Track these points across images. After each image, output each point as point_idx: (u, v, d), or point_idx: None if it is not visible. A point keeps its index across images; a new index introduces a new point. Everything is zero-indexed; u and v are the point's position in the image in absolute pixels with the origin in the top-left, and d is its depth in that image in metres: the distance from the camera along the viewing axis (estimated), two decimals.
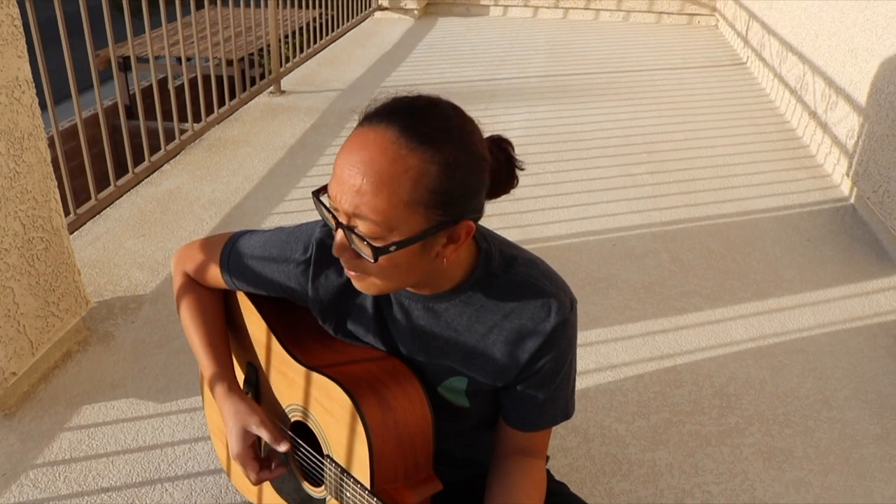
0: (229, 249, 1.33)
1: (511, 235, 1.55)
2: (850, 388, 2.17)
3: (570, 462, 1.89)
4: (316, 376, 1.25)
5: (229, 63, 4.60)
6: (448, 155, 0.97)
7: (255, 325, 1.39)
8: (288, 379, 1.33)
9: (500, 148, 1.09)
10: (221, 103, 3.76)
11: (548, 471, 1.29)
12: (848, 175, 3.26)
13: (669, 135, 3.98)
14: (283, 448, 1.27)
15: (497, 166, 1.07)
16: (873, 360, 2.29)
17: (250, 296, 1.40)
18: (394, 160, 0.95)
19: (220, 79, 3.84)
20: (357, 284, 1.07)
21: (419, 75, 4.84)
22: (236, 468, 1.55)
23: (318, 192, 1.05)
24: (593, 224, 3.05)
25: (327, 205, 1.02)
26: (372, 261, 0.98)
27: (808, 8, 4.01)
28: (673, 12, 6.42)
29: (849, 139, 3.28)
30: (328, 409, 1.24)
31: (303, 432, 1.35)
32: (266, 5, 4.28)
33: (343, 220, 0.99)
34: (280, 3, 4.27)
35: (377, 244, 0.97)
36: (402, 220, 0.96)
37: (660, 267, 2.76)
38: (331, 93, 4.40)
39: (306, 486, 1.35)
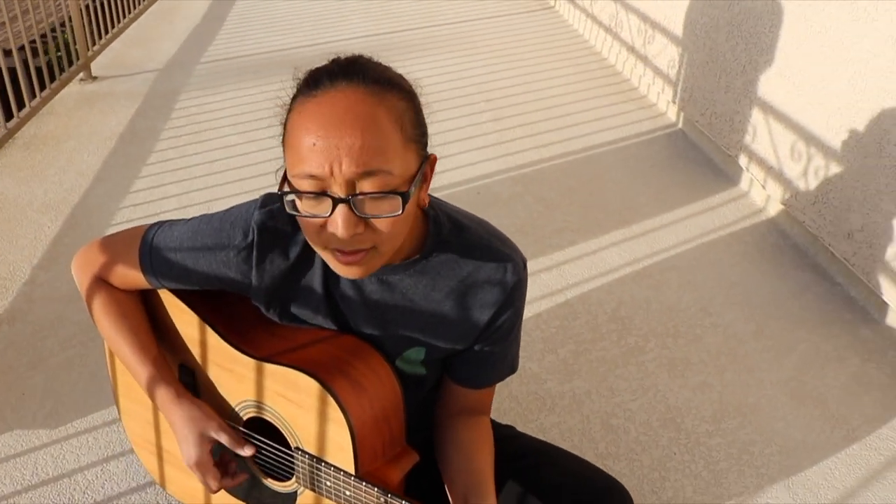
0: (148, 247, 1.21)
1: None
2: (722, 294, 2.38)
3: (497, 406, 1.94)
4: (272, 367, 1.19)
5: (7, 53, 3.97)
6: (407, 93, 1.00)
7: (186, 322, 1.29)
8: (235, 374, 1.25)
9: None
10: (19, 99, 3.33)
11: (492, 419, 1.31)
12: (674, 102, 3.52)
13: (500, 82, 4.07)
14: (247, 452, 1.21)
15: None
16: (733, 266, 2.52)
17: (176, 292, 1.29)
18: (377, 105, 0.93)
19: None
20: (356, 271, 1.00)
21: (239, 47, 4.60)
22: (174, 478, 1.45)
23: (285, 191, 0.97)
24: (455, 176, 3.08)
25: (306, 191, 0.94)
26: (400, 211, 0.93)
27: None
28: None
29: (670, 69, 3.53)
30: (292, 400, 1.18)
31: (259, 428, 1.28)
32: None
33: (342, 192, 0.92)
34: None
35: (402, 190, 0.94)
36: (406, 160, 0.95)
37: (527, 209, 2.85)
38: (148, 74, 4.09)
39: (271, 483, 1.29)
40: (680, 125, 3.52)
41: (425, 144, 1.03)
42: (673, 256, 2.57)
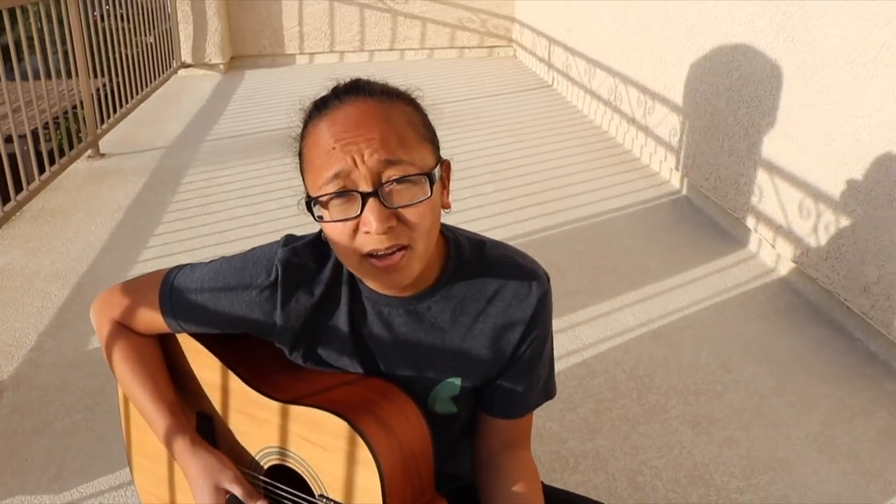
0: (169, 289, 1.19)
1: None
2: (740, 351, 2.34)
3: None
4: (297, 409, 1.14)
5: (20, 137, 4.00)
6: (412, 100, 1.04)
7: (207, 367, 1.25)
8: (257, 420, 1.20)
9: None
10: (28, 173, 3.34)
11: None
12: (677, 169, 3.56)
13: (503, 155, 4.14)
14: None
15: None
16: (748, 323, 2.49)
17: (196, 336, 1.25)
18: (389, 109, 0.97)
19: (12, 158, 3.34)
20: (397, 278, 0.98)
21: (244, 125, 4.69)
22: None
23: (311, 198, 0.97)
24: None
25: (332, 193, 0.94)
26: (430, 194, 0.94)
27: (609, 27, 4.37)
28: (473, 46, 6.74)
29: (672, 137, 3.59)
30: (317, 443, 1.13)
31: (282, 476, 1.22)
32: (59, 75, 3.93)
33: (369, 186, 0.92)
34: (83, 70, 3.95)
35: (427, 170, 0.95)
36: (423, 156, 0.97)
37: None
38: (156, 151, 4.14)
39: None
40: (684, 191, 3.55)
41: (438, 147, 1.04)
42: (687, 316, 2.54)
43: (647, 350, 2.35)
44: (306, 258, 1.12)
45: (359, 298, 1.12)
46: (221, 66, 6.10)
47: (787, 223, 2.70)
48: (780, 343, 2.38)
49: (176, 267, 1.23)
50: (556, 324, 2.48)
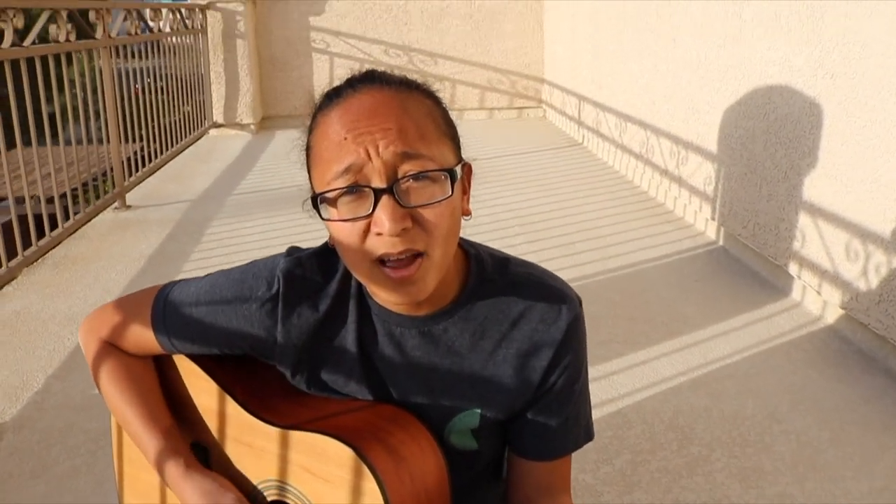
0: (162, 305, 1.08)
1: None
2: (788, 401, 2.16)
3: None
4: (298, 435, 1.01)
5: (49, 201, 4.01)
6: (432, 94, 0.94)
7: (204, 391, 1.13)
8: (255, 450, 1.07)
9: None
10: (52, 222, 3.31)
11: None
12: (713, 219, 3.43)
13: (532, 208, 4.05)
14: None
15: None
16: (796, 373, 2.32)
17: (192, 358, 1.14)
18: (408, 99, 0.87)
19: (38, 217, 3.35)
20: (411, 291, 0.88)
21: (270, 180, 4.68)
22: None
23: (318, 194, 0.87)
24: None
25: (341, 188, 0.84)
26: (450, 193, 0.84)
27: (640, 80, 4.33)
28: (503, 107, 6.76)
29: (707, 186, 3.48)
30: (319, 474, 1.00)
31: None
32: (100, 140, 3.98)
33: (383, 182, 0.82)
34: (114, 137, 4.00)
35: (448, 165, 0.86)
36: (443, 154, 0.87)
37: None
38: (181, 204, 4.13)
39: None
40: (720, 242, 3.42)
41: (459, 147, 0.94)
42: (728, 365, 2.37)
43: (686, 400, 2.18)
44: (311, 270, 1.01)
45: (368, 316, 1.00)
46: (252, 126, 6.17)
47: (833, 267, 2.55)
48: (831, 393, 2.20)
49: (171, 282, 1.13)
50: (591, 373, 2.33)
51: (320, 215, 0.89)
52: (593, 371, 2.34)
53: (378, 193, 0.82)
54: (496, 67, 6.63)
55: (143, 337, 1.10)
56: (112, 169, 3.97)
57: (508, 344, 0.99)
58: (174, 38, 5.20)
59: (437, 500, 1.01)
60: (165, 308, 1.08)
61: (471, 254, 1.01)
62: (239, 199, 4.27)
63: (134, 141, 4.32)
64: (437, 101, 0.93)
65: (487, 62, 6.60)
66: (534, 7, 6.55)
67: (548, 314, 0.99)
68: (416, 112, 0.87)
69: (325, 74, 6.41)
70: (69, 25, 3.28)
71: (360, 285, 1.00)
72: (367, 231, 0.85)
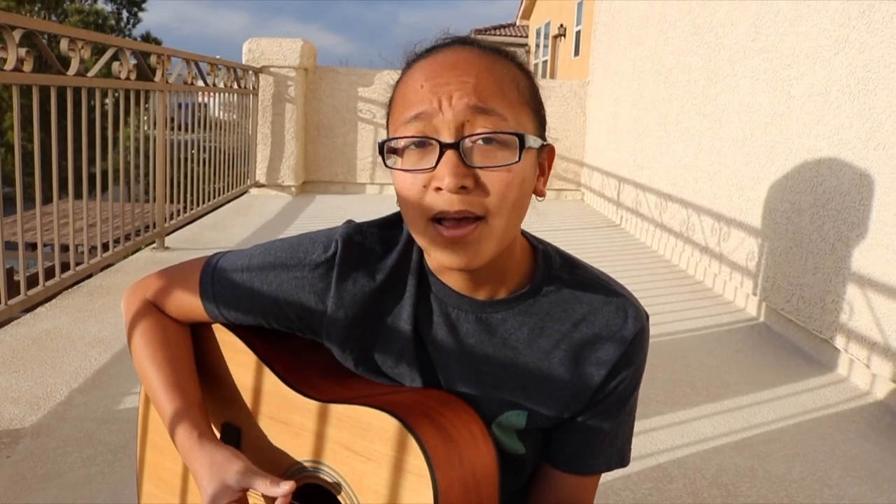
0: (211, 270, 1.05)
1: None
2: (839, 467, 2.04)
3: None
4: (339, 409, 0.94)
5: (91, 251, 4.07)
6: (525, 67, 0.90)
7: (241, 365, 1.07)
8: (292, 428, 1.00)
9: None
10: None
11: None
12: (755, 294, 3.36)
13: None
14: (283, 489, 0.92)
15: None
16: (846, 442, 2.20)
17: (233, 329, 1.10)
18: (495, 62, 0.85)
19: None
20: (464, 256, 0.84)
21: None
22: None
23: (385, 140, 0.86)
24: None
25: (408, 136, 0.83)
26: (517, 159, 0.81)
27: (683, 160, 4.34)
28: None
29: (749, 261, 3.42)
30: (360, 452, 0.92)
31: (317, 499, 1.02)
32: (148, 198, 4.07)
33: (451, 138, 0.80)
34: (160, 196, 4.09)
35: (521, 130, 0.82)
36: (522, 122, 0.84)
37: None
38: (217, 249, 4.14)
39: None
40: (762, 318, 3.33)
41: (544, 127, 0.91)
42: (773, 430, 2.26)
43: (730, 459, 2.07)
44: (371, 239, 0.98)
45: (426, 294, 0.96)
46: (293, 188, 6.26)
47: (883, 339, 2.45)
48: (888, 462, 2.08)
49: (219, 251, 1.11)
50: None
51: (385, 163, 0.87)
52: (635, 427, 2.24)
53: (443, 147, 0.80)
54: None
55: (188, 302, 1.07)
56: (155, 224, 4.02)
57: (568, 345, 0.94)
58: (226, 96, 5.36)
59: (486, 490, 0.93)
60: (215, 273, 1.05)
61: (538, 248, 0.98)
62: None
63: (178, 201, 4.42)
64: (527, 74, 0.90)
65: None
66: (578, 92, 6.68)
67: (613, 321, 0.94)
68: (501, 74, 0.85)
69: (368, 143, 6.54)
70: (131, 64, 3.39)
71: (420, 261, 0.96)
72: (427, 186, 0.82)
